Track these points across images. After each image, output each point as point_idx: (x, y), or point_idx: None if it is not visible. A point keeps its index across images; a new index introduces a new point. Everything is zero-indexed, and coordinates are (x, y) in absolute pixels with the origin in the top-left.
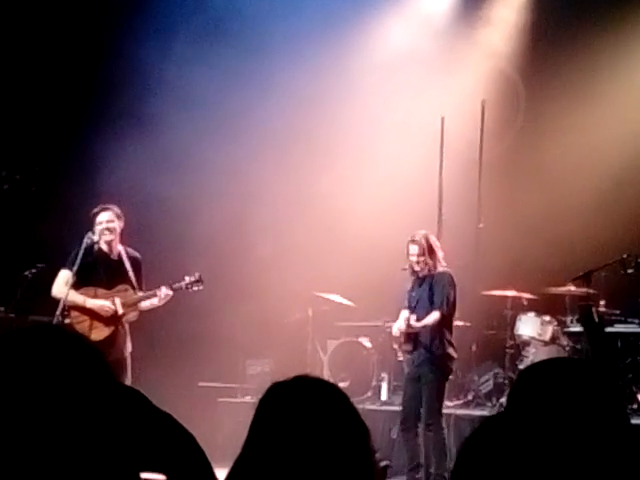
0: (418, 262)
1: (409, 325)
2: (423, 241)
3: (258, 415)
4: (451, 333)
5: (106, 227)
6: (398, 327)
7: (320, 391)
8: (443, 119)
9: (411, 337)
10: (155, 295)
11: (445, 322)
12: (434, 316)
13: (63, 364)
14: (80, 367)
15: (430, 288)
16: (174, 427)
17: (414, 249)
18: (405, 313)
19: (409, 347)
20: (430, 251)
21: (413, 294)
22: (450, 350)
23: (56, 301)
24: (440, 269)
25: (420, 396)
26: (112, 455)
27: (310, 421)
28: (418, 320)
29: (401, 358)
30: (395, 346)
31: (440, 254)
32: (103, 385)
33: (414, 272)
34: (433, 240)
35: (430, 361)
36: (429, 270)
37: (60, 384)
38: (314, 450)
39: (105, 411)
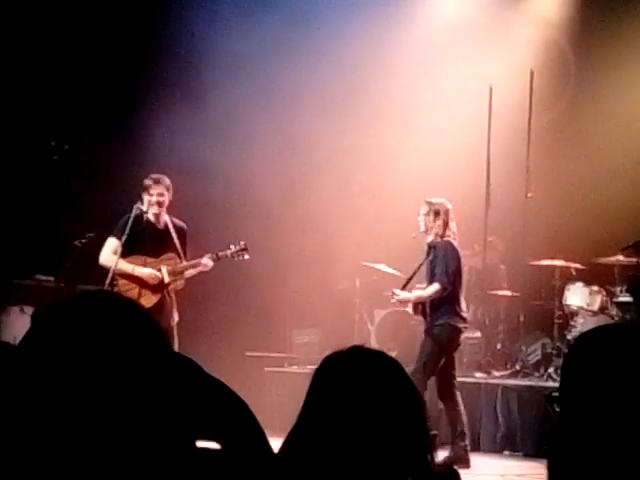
0: (420, 222)
1: (393, 294)
2: (436, 204)
3: (314, 386)
4: (457, 303)
5: (157, 201)
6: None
7: (376, 362)
8: (491, 88)
9: (419, 308)
10: (199, 264)
11: (445, 292)
12: (432, 288)
13: (117, 331)
14: (134, 333)
15: (433, 258)
16: (227, 394)
17: (423, 208)
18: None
19: (418, 313)
20: (436, 214)
21: (425, 262)
22: (453, 320)
23: (105, 271)
24: (444, 239)
25: (443, 365)
26: (167, 422)
27: (366, 392)
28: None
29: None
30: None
31: (452, 225)
32: (158, 352)
33: (421, 233)
34: (447, 210)
35: (431, 330)
36: (434, 236)
37: (115, 351)
38: (370, 420)
39: (160, 378)
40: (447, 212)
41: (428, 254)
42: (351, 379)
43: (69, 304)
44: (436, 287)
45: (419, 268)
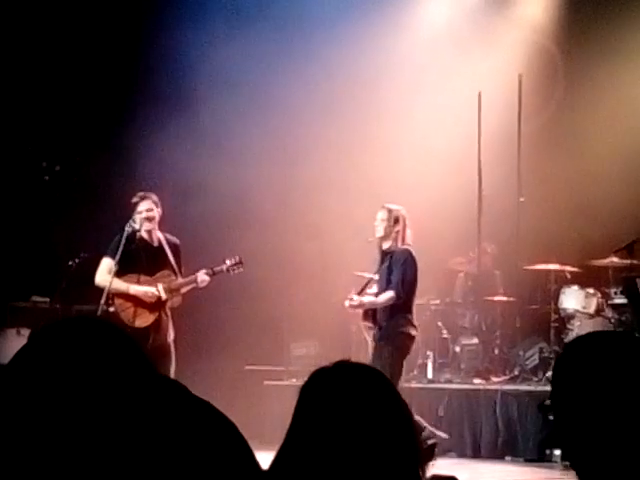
0: (377, 227)
1: (351, 299)
2: (395, 211)
3: (301, 402)
4: (410, 312)
5: (146, 216)
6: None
7: (362, 376)
8: (480, 94)
9: (369, 314)
10: (195, 280)
11: (402, 301)
12: (385, 295)
13: (98, 355)
14: (116, 357)
15: (389, 265)
16: (214, 416)
17: (380, 214)
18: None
19: (369, 323)
20: (396, 221)
21: (377, 267)
22: (407, 329)
23: (100, 289)
24: (402, 246)
25: None
26: (149, 446)
27: (352, 407)
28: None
29: (365, 334)
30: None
31: (408, 233)
32: (140, 375)
33: (380, 245)
34: (405, 217)
35: (386, 338)
36: (390, 244)
37: (96, 376)
38: (357, 436)
39: (142, 402)
40: (405, 219)
41: (383, 260)
42: (337, 394)
43: (55, 328)
44: (390, 295)
45: (377, 274)
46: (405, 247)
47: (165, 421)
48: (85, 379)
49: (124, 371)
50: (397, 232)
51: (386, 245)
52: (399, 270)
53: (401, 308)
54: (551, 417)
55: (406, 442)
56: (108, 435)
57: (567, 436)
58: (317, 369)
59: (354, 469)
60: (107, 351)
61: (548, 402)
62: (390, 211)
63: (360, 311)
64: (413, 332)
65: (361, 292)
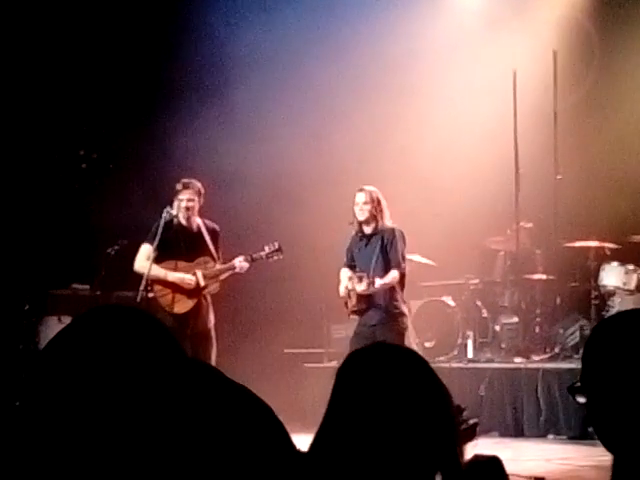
0: (362, 210)
1: (370, 286)
2: (373, 192)
3: (338, 384)
4: (403, 290)
5: (186, 206)
6: (345, 286)
7: (399, 357)
8: (515, 72)
9: (364, 296)
10: (234, 267)
11: (402, 279)
12: (393, 275)
13: (131, 343)
14: (148, 344)
15: (382, 245)
16: (250, 400)
17: (361, 196)
18: (346, 272)
19: (363, 306)
20: (377, 203)
21: (357, 252)
22: (404, 308)
23: (139, 276)
24: (388, 225)
25: None
26: (184, 432)
27: (390, 388)
28: (368, 281)
29: (353, 317)
30: (348, 306)
31: (387, 213)
32: (173, 361)
33: (360, 228)
34: (381, 197)
35: (387, 321)
36: (375, 225)
37: (128, 363)
38: (394, 417)
39: (176, 388)
40: (382, 199)
41: (368, 242)
42: (374, 375)
43: (87, 316)
44: (395, 274)
45: (367, 259)
46: (393, 225)
47: (199, 406)
48: (117, 367)
49: (156, 358)
50: (381, 212)
51: (370, 226)
52: (395, 248)
53: (395, 288)
54: (580, 399)
55: (444, 422)
56: (140, 421)
57: (600, 417)
58: (354, 350)
59: (392, 450)
60: (139, 338)
61: (578, 384)
62: (371, 193)
63: (353, 297)
64: (405, 309)
65: (362, 279)
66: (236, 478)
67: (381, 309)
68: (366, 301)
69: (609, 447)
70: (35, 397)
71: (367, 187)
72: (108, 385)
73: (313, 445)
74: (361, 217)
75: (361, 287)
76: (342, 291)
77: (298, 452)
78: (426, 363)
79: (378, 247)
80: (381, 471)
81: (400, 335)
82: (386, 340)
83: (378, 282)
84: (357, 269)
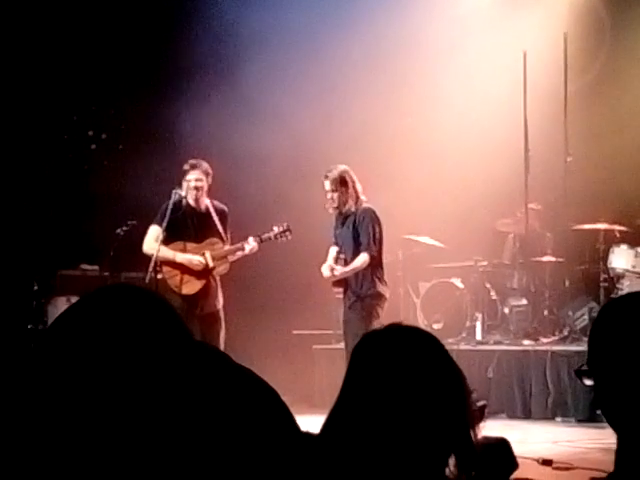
0: (332, 199)
1: (333, 274)
2: (336, 175)
3: (352, 364)
4: (381, 269)
5: (194, 186)
6: (325, 269)
7: (414, 338)
8: (525, 53)
9: (339, 280)
10: (243, 248)
11: (374, 261)
12: (362, 259)
13: (136, 323)
14: (153, 325)
15: (354, 227)
16: (254, 383)
17: (326, 185)
18: (333, 251)
19: (340, 289)
20: (343, 185)
21: (338, 232)
22: (380, 288)
23: (148, 257)
24: (363, 205)
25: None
26: (188, 415)
27: (405, 369)
28: (346, 262)
29: (340, 296)
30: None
31: (359, 188)
32: (177, 344)
33: (336, 209)
34: (349, 175)
35: (359, 303)
36: (349, 206)
37: (134, 342)
38: (409, 398)
39: (180, 371)
40: (350, 175)
41: (344, 223)
42: (389, 356)
43: (92, 297)
44: (365, 257)
45: (341, 240)
46: (365, 205)
47: (203, 390)
48: (122, 347)
49: (160, 339)
50: (350, 193)
51: (344, 208)
52: (365, 230)
53: (373, 268)
54: (587, 382)
55: (458, 404)
56: (143, 402)
57: (607, 399)
58: (369, 331)
59: (406, 431)
60: (145, 319)
61: (585, 367)
62: (333, 178)
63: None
64: (385, 291)
65: (337, 260)
66: (240, 463)
67: (352, 292)
68: (341, 284)
69: (616, 429)
70: (39, 375)
71: (328, 172)
72: (112, 365)
73: (326, 425)
74: (332, 206)
75: (326, 273)
76: (324, 272)
77: (304, 437)
78: (441, 345)
79: (351, 228)
80: (394, 453)
81: (365, 318)
82: (351, 322)
83: (338, 270)
84: (337, 248)
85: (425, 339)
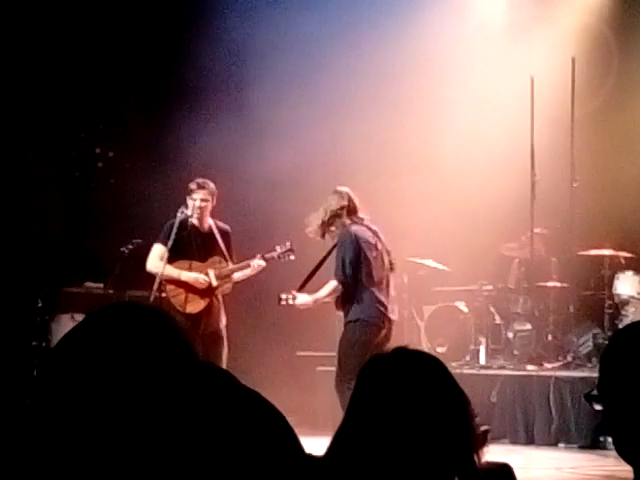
0: (319, 235)
1: (290, 296)
2: (322, 210)
3: (359, 387)
4: (371, 295)
5: (199, 206)
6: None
7: (420, 363)
8: (533, 79)
9: (338, 302)
10: (248, 266)
11: (350, 286)
12: (328, 286)
13: (143, 342)
14: (160, 345)
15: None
16: (261, 406)
17: (312, 224)
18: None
19: (340, 311)
20: (331, 216)
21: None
22: (366, 315)
23: (152, 276)
24: (343, 229)
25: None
26: (192, 436)
27: (411, 392)
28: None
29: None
30: None
31: (355, 204)
32: (184, 364)
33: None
34: (343, 194)
35: (345, 328)
36: (333, 232)
37: (140, 364)
38: (415, 421)
39: (186, 391)
40: (345, 197)
41: (334, 247)
42: (395, 380)
43: (99, 315)
44: (332, 284)
45: (317, 266)
46: (346, 228)
47: (209, 410)
48: (128, 366)
49: (167, 359)
50: (339, 221)
51: (331, 234)
52: (338, 256)
53: (357, 293)
54: (597, 407)
55: (462, 428)
56: (148, 423)
57: (616, 425)
58: (375, 354)
59: (410, 453)
60: (152, 338)
61: (595, 392)
62: (317, 218)
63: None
64: (374, 319)
65: (301, 287)
66: None
67: (344, 317)
68: (338, 304)
69: (624, 456)
70: (45, 393)
71: (312, 215)
72: (118, 384)
73: (331, 447)
74: (324, 239)
75: (289, 298)
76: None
77: (308, 459)
78: (445, 368)
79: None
80: (399, 475)
81: (349, 343)
82: (339, 345)
83: (298, 300)
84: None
85: (430, 363)
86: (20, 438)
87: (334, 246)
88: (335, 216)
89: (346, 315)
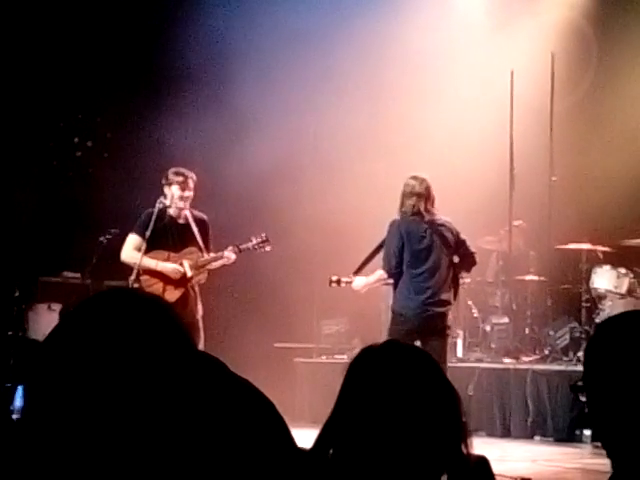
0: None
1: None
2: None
3: (348, 379)
4: (404, 286)
5: (180, 195)
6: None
7: (410, 356)
8: (513, 72)
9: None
10: (222, 257)
11: (396, 276)
12: (375, 275)
13: (140, 329)
14: (157, 332)
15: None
16: (253, 394)
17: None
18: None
19: None
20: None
21: None
22: (395, 306)
23: (130, 265)
24: (395, 217)
25: None
26: (186, 425)
27: (401, 385)
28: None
29: None
30: None
31: (409, 202)
32: (180, 351)
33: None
34: (404, 188)
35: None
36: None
37: (137, 350)
38: (405, 414)
39: (183, 377)
40: (405, 190)
41: None
42: (386, 373)
43: (93, 302)
44: (379, 272)
45: (375, 252)
46: (395, 217)
47: (203, 399)
48: (125, 356)
49: (166, 347)
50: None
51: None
52: (385, 245)
53: (395, 284)
54: (583, 398)
55: (452, 421)
56: (150, 412)
57: (599, 417)
58: (366, 346)
59: (400, 446)
60: (147, 324)
61: (580, 383)
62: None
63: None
64: (400, 310)
65: (357, 272)
66: (236, 473)
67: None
68: None
69: (606, 447)
70: (39, 385)
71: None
72: (116, 374)
73: (319, 439)
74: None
75: (353, 282)
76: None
77: (299, 448)
78: (435, 363)
79: None
80: (387, 469)
81: (389, 333)
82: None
83: (355, 283)
84: None
85: (422, 357)
86: (16, 432)
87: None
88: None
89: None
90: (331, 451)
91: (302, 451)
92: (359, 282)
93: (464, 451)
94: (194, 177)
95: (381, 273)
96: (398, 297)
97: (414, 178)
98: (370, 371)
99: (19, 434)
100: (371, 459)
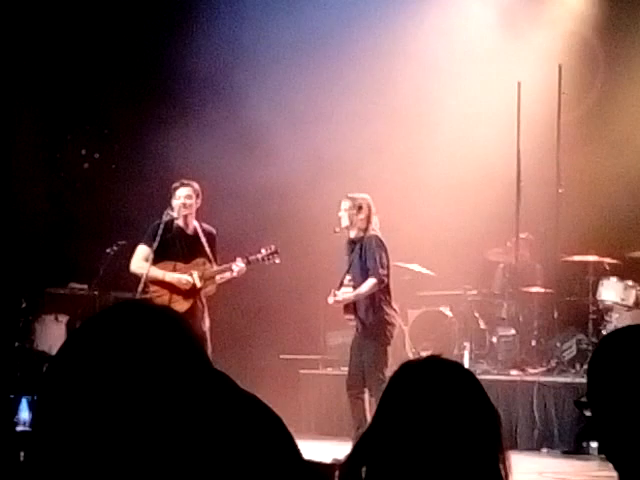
0: (343, 217)
1: (334, 295)
2: (358, 199)
3: (388, 393)
4: (389, 296)
5: (183, 202)
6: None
7: (452, 372)
8: (520, 84)
9: (350, 306)
10: (230, 269)
11: (382, 286)
12: (368, 284)
13: (152, 343)
14: (170, 346)
15: (360, 253)
16: (261, 409)
17: (345, 204)
18: (347, 279)
19: (350, 316)
20: (359, 209)
21: (346, 258)
22: (387, 316)
23: (137, 277)
24: (369, 233)
25: (363, 364)
26: (199, 438)
27: (442, 402)
28: (355, 288)
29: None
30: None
31: (375, 220)
32: (192, 365)
33: (344, 229)
34: (369, 204)
35: (368, 329)
36: (357, 232)
37: (149, 364)
38: (445, 431)
39: (195, 393)
40: (369, 206)
41: (352, 250)
42: (427, 389)
43: (104, 315)
44: (373, 281)
45: (350, 266)
46: (372, 233)
47: (216, 414)
48: (139, 371)
49: (179, 362)
50: (362, 220)
51: (353, 234)
52: (373, 255)
53: (376, 296)
54: (587, 413)
55: (491, 441)
56: (161, 426)
57: (604, 430)
58: (407, 361)
59: (436, 465)
60: (159, 337)
61: (584, 399)
62: (353, 199)
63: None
64: (393, 319)
65: (340, 286)
66: None
67: (362, 318)
68: (351, 310)
69: (612, 460)
70: (50, 400)
71: (353, 195)
72: (129, 387)
73: (352, 455)
74: (342, 224)
75: (330, 299)
76: (329, 300)
77: (306, 463)
78: (477, 380)
79: (358, 254)
80: None
81: (379, 344)
82: (365, 349)
83: (340, 295)
84: (349, 275)
85: (464, 374)
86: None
87: (351, 247)
88: (361, 219)
89: (372, 315)
90: (364, 469)
91: (309, 465)
92: (343, 295)
93: (502, 473)
94: (196, 186)
95: (374, 282)
96: (388, 306)
97: (365, 197)
98: (411, 386)
99: (29, 448)
100: (405, 476)
